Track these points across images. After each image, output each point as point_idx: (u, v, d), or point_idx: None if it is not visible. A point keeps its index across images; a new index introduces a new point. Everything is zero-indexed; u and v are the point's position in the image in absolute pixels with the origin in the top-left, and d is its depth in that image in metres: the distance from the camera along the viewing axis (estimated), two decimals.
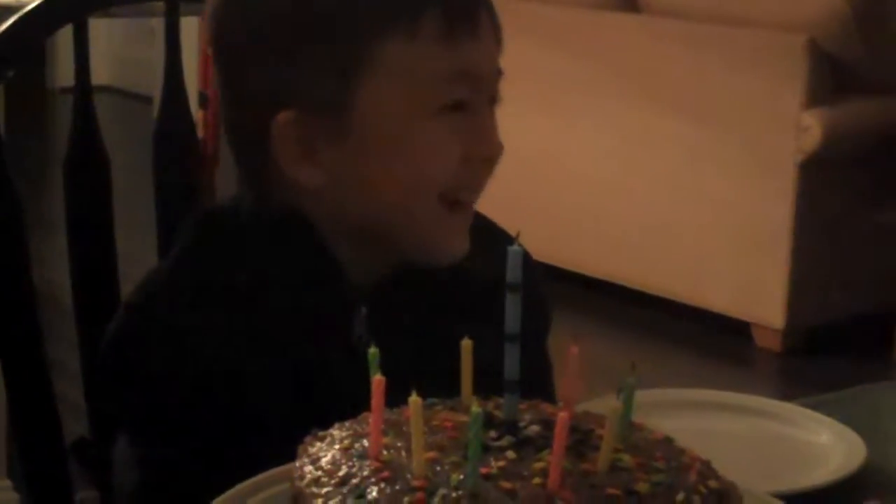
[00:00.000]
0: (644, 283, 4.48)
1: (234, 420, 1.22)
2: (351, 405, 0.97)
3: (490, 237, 1.36)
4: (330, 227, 1.29)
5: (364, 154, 1.27)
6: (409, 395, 0.89)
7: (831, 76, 4.15)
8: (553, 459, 0.85)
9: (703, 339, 4.28)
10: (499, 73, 1.32)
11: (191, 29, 2.06)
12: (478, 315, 1.13)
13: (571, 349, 0.95)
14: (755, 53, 4.19)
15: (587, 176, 4.61)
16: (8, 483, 2.88)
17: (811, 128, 4.04)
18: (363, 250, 1.30)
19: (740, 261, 4.25)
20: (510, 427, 0.93)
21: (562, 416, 0.85)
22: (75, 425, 1.56)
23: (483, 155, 1.29)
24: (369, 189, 1.27)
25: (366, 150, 1.26)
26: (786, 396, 1.39)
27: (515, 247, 0.94)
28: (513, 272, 0.93)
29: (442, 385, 0.99)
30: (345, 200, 1.28)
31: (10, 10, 1.52)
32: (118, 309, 1.32)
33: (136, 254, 1.92)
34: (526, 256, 1.40)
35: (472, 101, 1.28)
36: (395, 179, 1.27)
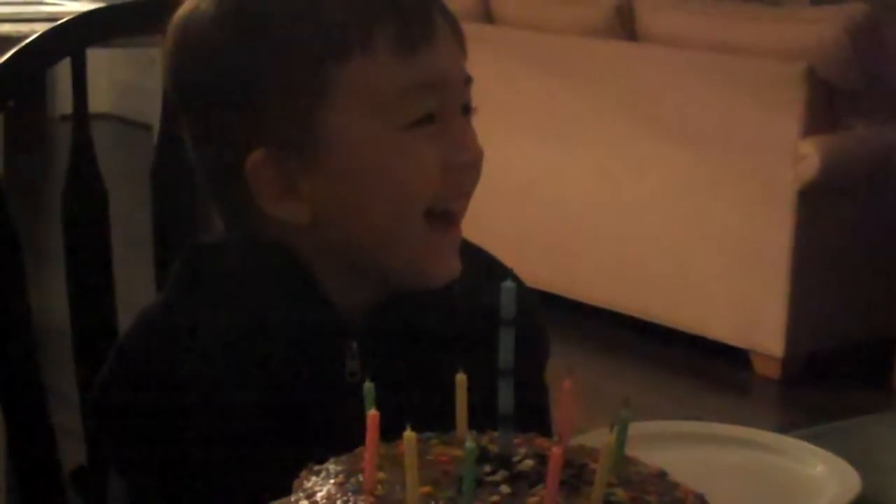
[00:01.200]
0: (642, 310, 4.48)
1: (228, 459, 1.22)
2: (345, 440, 0.97)
3: (485, 268, 1.36)
4: (318, 259, 1.27)
5: (343, 181, 1.25)
6: (403, 427, 0.88)
7: (829, 104, 4.16)
8: (547, 494, 0.85)
9: (702, 367, 4.28)
10: (467, 79, 1.29)
11: None
12: (472, 346, 1.13)
13: (564, 383, 0.95)
14: (753, 81, 4.20)
15: (584, 203, 4.61)
16: None
17: (809, 156, 4.05)
18: (353, 281, 1.29)
19: (739, 288, 4.25)
20: (504, 462, 0.93)
21: (555, 451, 0.85)
22: (74, 454, 1.57)
23: (462, 161, 1.26)
24: (354, 215, 1.26)
25: (343, 176, 1.24)
26: (785, 424, 1.40)
27: (509, 283, 0.94)
28: (506, 308, 0.93)
29: (436, 416, 0.98)
30: (331, 231, 1.26)
31: (9, 41, 1.52)
32: (112, 348, 1.32)
33: (134, 282, 1.93)
34: (521, 286, 1.41)
35: (442, 111, 1.25)
36: (379, 201, 1.25)
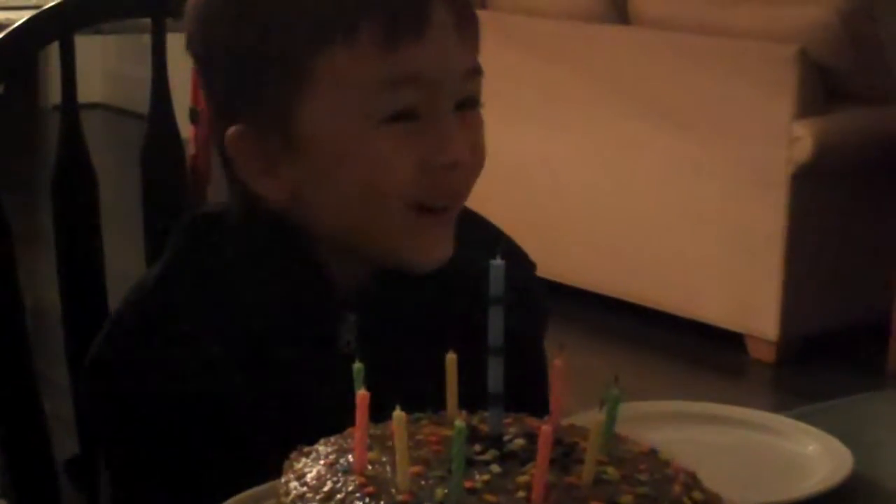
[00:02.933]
0: (637, 294, 4.48)
1: (222, 432, 1.22)
2: (340, 412, 0.96)
3: (479, 232, 1.36)
4: (310, 234, 1.28)
5: (316, 167, 1.25)
6: (398, 402, 0.88)
7: (822, 86, 4.16)
8: (537, 473, 0.85)
9: (696, 350, 4.28)
10: (471, 72, 1.27)
11: (181, 43, 2.07)
12: (468, 322, 1.12)
13: (555, 362, 0.95)
14: (746, 64, 4.19)
15: (578, 187, 4.61)
16: (3, 502, 2.87)
17: (803, 138, 4.04)
18: (345, 257, 1.29)
19: (733, 272, 4.25)
20: (495, 441, 0.93)
21: (545, 430, 0.85)
22: (68, 442, 1.56)
23: (443, 162, 1.24)
24: (331, 202, 1.26)
25: (316, 162, 1.25)
26: (780, 407, 1.40)
27: (498, 260, 0.93)
28: (496, 285, 0.93)
29: (431, 391, 0.98)
30: (311, 213, 1.27)
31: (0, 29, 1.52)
32: (106, 322, 1.32)
33: (125, 270, 1.92)
34: (520, 256, 1.41)
35: (426, 107, 1.23)
36: (353, 191, 1.24)
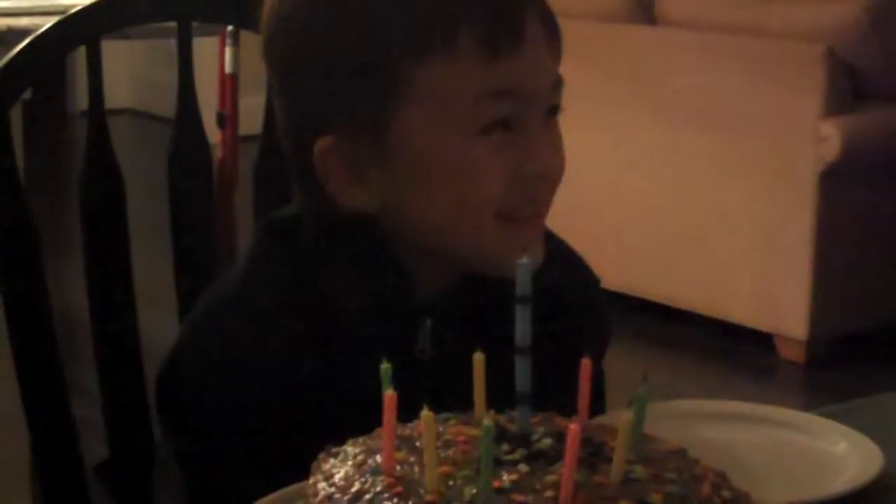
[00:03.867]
0: (665, 295, 4.47)
1: (294, 435, 1.21)
2: (409, 417, 0.96)
3: (565, 263, 1.37)
4: (394, 241, 1.28)
5: (409, 176, 1.25)
6: (467, 407, 0.89)
7: (850, 85, 4.15)
8: (565, 472, 0.85)
9: (725, 351, 4.27)
10: (557, 83, 1.28)
11: (209, 49, 2.07)
12: (538, 335, 1.11)
13: (584, 361, 0.95)
14: (773, 63, 4.18)
15: (606, 189, 4.60)
16: None
17: (831, 137, 4.03)
18: (427, 263, 1.29)
19: (762, 272, 4.24)
20: (523, 440, 0.93)
21: (573, 429, 0.85)
22: (96, 447, 1.57)
23: (534, 172, 1.25)
24: (421, 210, 1.26)
25: (410, 171, 1.24)
26: (809, 408, 1.39)
27: (524, 260, 0.93)
28: (522, 286, 0.93)
29: (504, 396, 0.97)
30: (398, 221, 1.26)
31: (25, 33, 1.53)
32: (183, 330, 1.31)
33: (153, 274, 1.93)
34: (584, 270, 1.41)
35: (519, 117, 1.24)
36: (443, 200, 1.25)
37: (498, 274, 1.26)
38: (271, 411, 1.23)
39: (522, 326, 0.94)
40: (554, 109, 1.28)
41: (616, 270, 4.57)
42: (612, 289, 4.54)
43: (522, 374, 0.94)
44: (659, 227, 4.48)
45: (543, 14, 1.27)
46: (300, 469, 1.01)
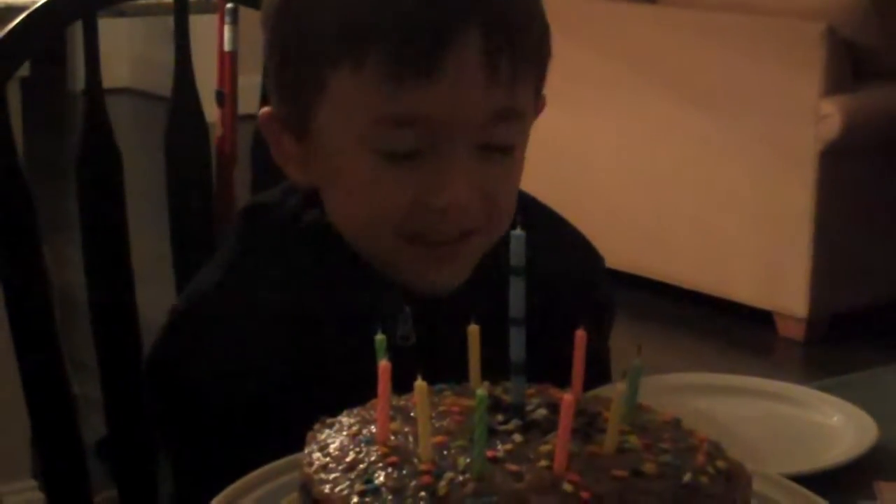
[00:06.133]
0: (665, 273, 4.48)
1: (280, 422, 1.21)
2: None
3: (555, 232, 1.35)
4: None
5: (324, 172, 1.25)
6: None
7: (850, 63, 4.14)
8: (559, 442, 0.85)
9: (726, 328, 4.28)
10: (500, 114, 1.19)
11: (208, 27, 2.07)
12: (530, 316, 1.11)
13: (578, 333, 0.95)
14: (773, 42, 4.18)
15: (606, 168, 4.60)
16: (34, 483, 2.89)
17: (831, 115, 4.03)
18: None
19: (762, 250, 4.24)
20: (517, 411, 0.93)
21: (567, 399, 0.85)
22: (96, 423, 1.57)
23: (438, 206, 1.19)
24: (334, 211, 1.26)
25: (324, 168, 1.25)
26: (809, 385, 1.39)
27: (518, 231, 0.93)
28: (516, 256, 0.93)
29: (491, 377, 0.98)
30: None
31: (21, 10, 1.52)
32: (167, 324, 1.31)
33: (151, 252, 1.93)
34: (587, 249, 1.41)
35: (427, 146, 1.18)
36: (351, 210, 1.25)
37: (412, 290, 1.25)
38: (254, 404, 1.23)
39: (516, 297, 0.94)
40: (498, 146, 1.21)
41: (617, 249, 4.57)
42: (613, 267, 4.53)
43: (517, 344, 0.94)
44: (659, 206, 4.49)
45: (492, 40, 1.18)
46: (283, 453, 1.02)
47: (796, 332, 4.16)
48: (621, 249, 4.56)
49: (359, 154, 1.20)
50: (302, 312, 1.25)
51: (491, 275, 1.24)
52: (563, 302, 1.28)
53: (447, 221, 1.20)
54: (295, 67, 1.23)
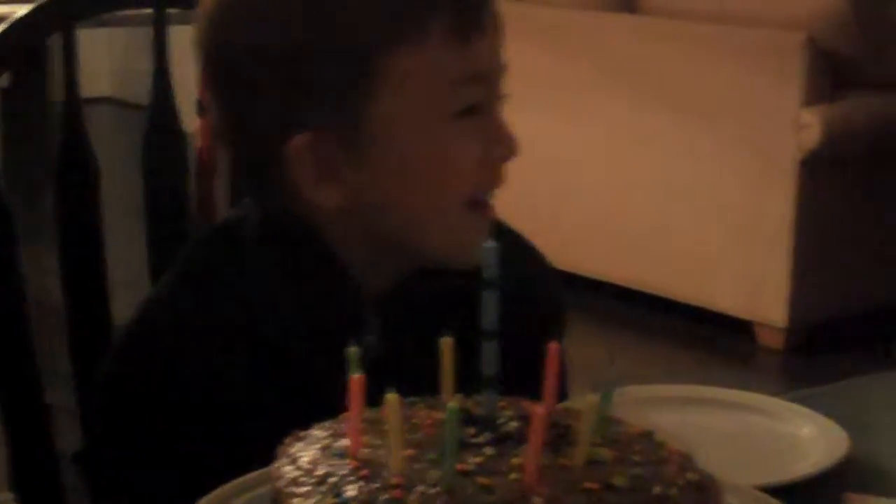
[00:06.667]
0: (645, 283, 4.48)
1: (241, 440, 1.19)
2: None
3: (518, 254, 1.36)
4: (344, 238, 1.27)
5: (386, 171, 1.24)
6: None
7: (830, 73, 4.15)
8: (529, 454, 0.85)
9: (705, 338, 4.29)
10: (504, 68, 1.30)
11: (187, 36, 2.07)
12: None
13: (552, 346, 0.95)
14: (754, 52, 4.19)
15: (587, 177, 4.61)
16: (10, 496, 2.88)
17: (811, 125, 4.04)
18: (377, 260, 1.29)
19: (742, 260, 4.25)
20: (489, 423, 0.93)
21: (538, 411, 0.85)
22: (71, 433, 1.57)
23: (502, 155, 1.28)
24: (393, 203, 1.25)
25: (386, 163, 1.24)
26: (783, 396, 1.40)
27: (490, 243, 0.94)
28: (489, 269, 0.93)
29: (460, 388, 0.98)
30: (365, 215, 1.26)
31: (2, 20, 1.53)
32: (116, 345, 1.31)
33: (128, 262, 1.93)
34: (528, 250, 1.41)
35: (487, 102, 1.26)
36: (420, 191, 1.25)
37: (455, 261, 1.27)
38: (208, 420, 1.22)
39: (489, 310, 0.94)
40: (501, 96, 1.30)
41: (597, 258, 4.58)
42: (594, 276, 4.55)
43: (490, 357, 0.94)
44: (640, 216, 4.49)
45: (494, 4, 1.29)
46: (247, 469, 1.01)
47: (776, 341, 4.17)
48: (601, 258, 4.57)
49: (430, 126, 1.24)
50: (262, 320, 1.25)
51: (461, 287, 1.24)
52: (513, 311, 1.28)
53: (503, 169, 1.29)
54: (337, 68, 1.21)
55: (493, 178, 1.28)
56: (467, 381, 0.96)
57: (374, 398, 0.91)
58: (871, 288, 4.29)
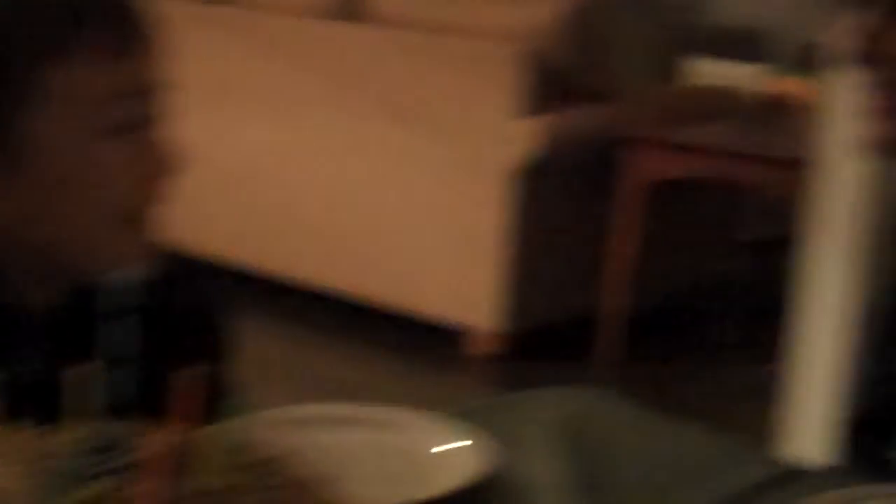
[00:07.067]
0: (355, 290, 4.49)
1: None
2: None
3: (179, 267, 1.36)
4: (7, 252, 1.26)
5: (38, 181, 1.23)
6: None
7: (542, 85, 4.24)
8: (143, 484, 0.86)
9: (416, 346, 4.30)
10: (160, 85, 1.29)
11: None
12: (154, 338, 1.11)
13: (181, 373, 0.96)
14: (467, 63, 4.25)
15: (304, 184, 4.60)
16: None
17: (521, 136, 4.12)
18: (41, 273, 1.27)
19: (454, 267, 4.30)
20: (113, 451, 0.93)
21: (154, 440, 0.86)
22: None
23: (161, 173, 1.27)
24: (47, 215, 1.24)
25: (39, 177, 1.23)
26: (469, 404, 1.42)
27: (136, 271, 0.94)
28: (133, 297, 0.94)
29: (125, 407, 0.98)
30: (21, 227, 1.25)
31: None
32: None
33: None
34: (204, 283, 1.41)
35: (140, 119, 1.26)
36: (71, 204, 1.24)
37: (115, 276, 1.26)
38: None
39: (126, 337, 0.95)
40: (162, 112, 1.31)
41: (311, 266, 4.59)
42: (306, 284, 4.52)
43: (124, 384, 0.95)
44: (356, 223, 4.51)
45: (146, 22, 1.29)
46: None
47: (486, 348, 4.23)
48: (315, 266, 4.57)
49: (87, 142, 1.23)
50: None
51: (124, 305, 1.25)
52: (181, 337, 1.29)
53: (163, 186, 1.28)
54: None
55: (151, 193, 1.28)
56: (135, 395, 0.96)
57: (41, 419, 0.91)
58: (579, 295, 4.38)
